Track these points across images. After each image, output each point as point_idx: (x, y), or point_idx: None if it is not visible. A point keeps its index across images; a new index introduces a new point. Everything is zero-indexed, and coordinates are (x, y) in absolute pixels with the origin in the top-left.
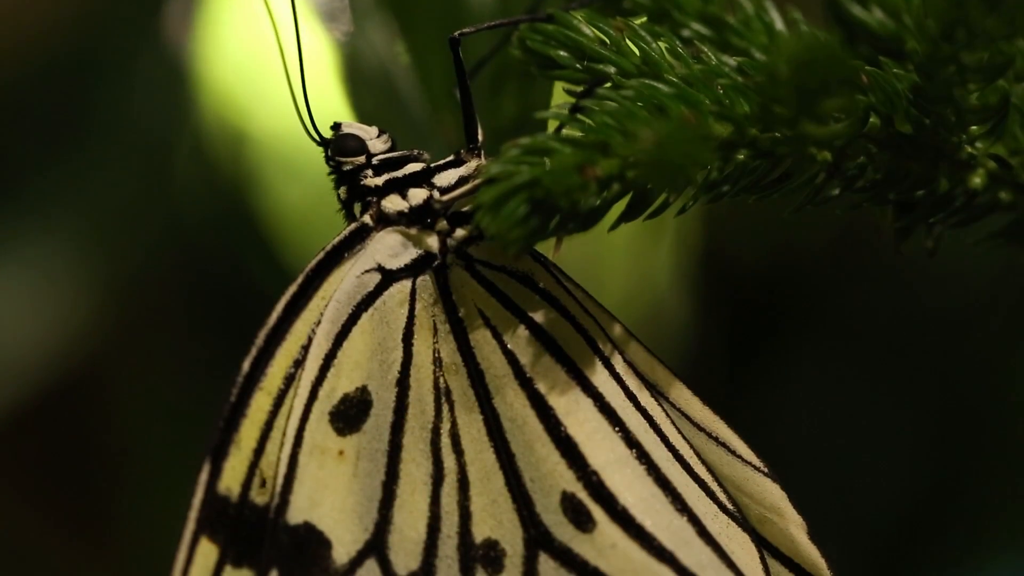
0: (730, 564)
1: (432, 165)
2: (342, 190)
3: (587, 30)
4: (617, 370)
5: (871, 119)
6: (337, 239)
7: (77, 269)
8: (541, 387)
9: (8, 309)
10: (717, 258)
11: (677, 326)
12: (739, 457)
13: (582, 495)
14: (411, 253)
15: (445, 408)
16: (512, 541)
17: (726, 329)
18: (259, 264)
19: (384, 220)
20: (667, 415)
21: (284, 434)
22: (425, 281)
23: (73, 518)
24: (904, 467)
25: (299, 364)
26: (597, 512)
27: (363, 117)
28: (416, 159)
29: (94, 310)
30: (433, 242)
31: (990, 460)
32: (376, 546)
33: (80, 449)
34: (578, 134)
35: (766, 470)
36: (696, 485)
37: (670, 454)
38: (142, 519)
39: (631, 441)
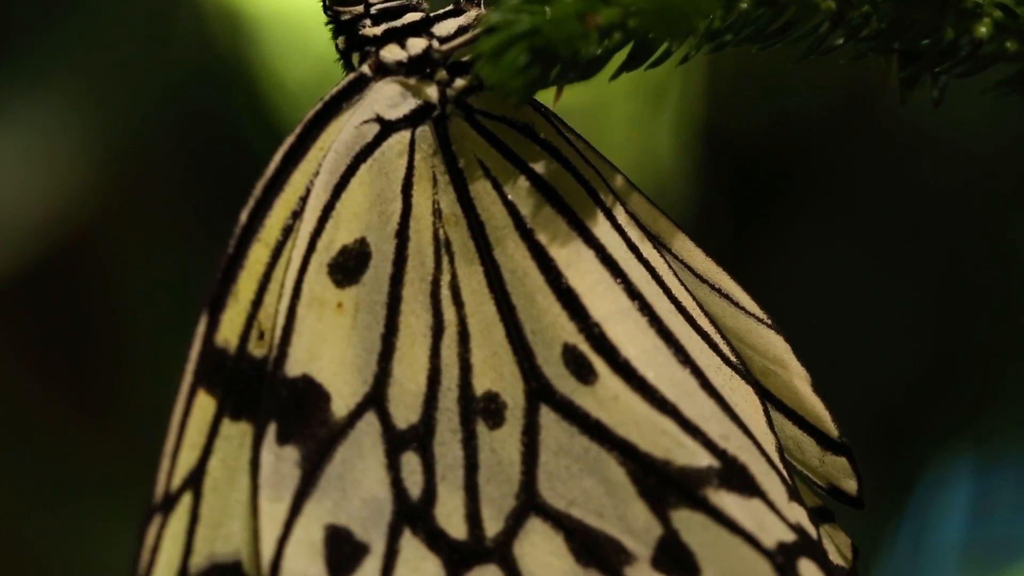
0: (733, 416)
1: (431, 15)
2: (340, 40)
3: None
4: (619, 221)
5: None
6: (335, 89)
7: (75, 132)
8: (542, 238)
9: (6, 172)
10: (719, 130)
11: (679, 198)
12: (742, 309)
13: (583, 347)
14: (410, 103)
15: (445, 260)
16: (513, 394)
17: (728, 201)
18: (255, 130)
19: (383, 70)
20: (669, 267)
21: (282, 286)
22: (424, 131)
23: (72, 381)
24: (906, 336)
25: (297, 216)
26: (599, 364)
27: None
28: (415, 8)
29: (92, 174)
30: (432, 92)
31: (993, 329)
32: (375, 399)
33: (78, 312)
34: None
35: (769, 322)
36: (699, 337)
37: (673, 306)
38: (141, 381)
39: (633, 293)
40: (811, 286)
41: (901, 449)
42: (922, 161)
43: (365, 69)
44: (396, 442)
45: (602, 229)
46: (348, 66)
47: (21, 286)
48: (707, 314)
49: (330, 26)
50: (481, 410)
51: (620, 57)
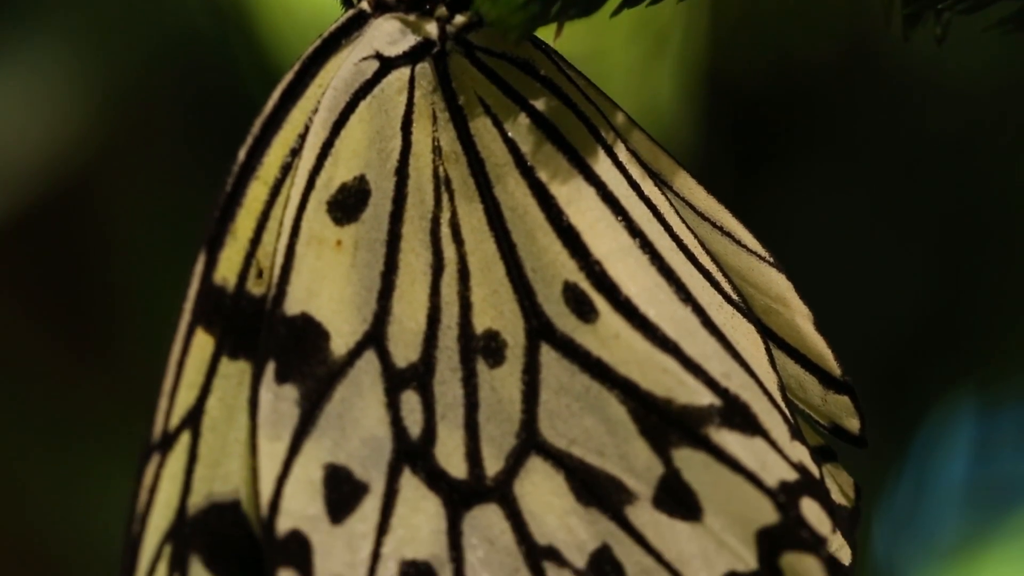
0: (735, 354)
1: None
2: None
3: None
4: (620, 159)
5: None
6: (334, 26)
7: (75, 76)
8: (542, 176)
9: (6, 115)
10: (721, 76)
11: (682, 144)
12: (744, 247)
13: (584, 285)
14: (409, 40)
15: (445, 197)
16: (513, 332)
17: (731, 147)
18: (253, 73)
19: (382, 6)
20: (671, 204)
21: (281, 224)
22: (424, 68)
23: (70, 323)
24: (910, 279)
25: (296, 153)
26: (600, 302)
27: None
28: None
29: (91, 117)
30: (432, 28)
31: (998, 272)
32: (375, 337)
33: (76, 255)
34: None
35: (771, 260)
36: (700, 275)
37: (674, 244)
38: (139, 322)
39: (634, 230)
40: (814, 230)
41: (904, 389)
42: (925, 106)
43: (364, 5)
44: (395, 381)
45: (603, 166)
46: (347, 3)
47: (19, 228)
48: (709, 252)
49: None
50: (481, 348)
51: None
